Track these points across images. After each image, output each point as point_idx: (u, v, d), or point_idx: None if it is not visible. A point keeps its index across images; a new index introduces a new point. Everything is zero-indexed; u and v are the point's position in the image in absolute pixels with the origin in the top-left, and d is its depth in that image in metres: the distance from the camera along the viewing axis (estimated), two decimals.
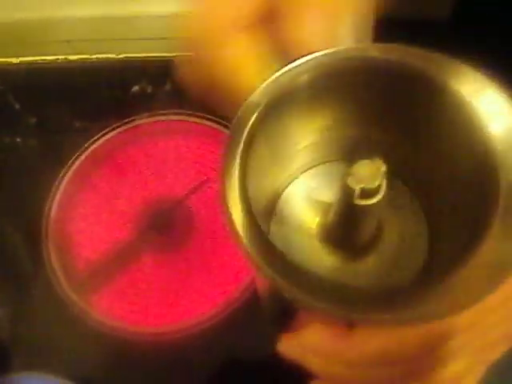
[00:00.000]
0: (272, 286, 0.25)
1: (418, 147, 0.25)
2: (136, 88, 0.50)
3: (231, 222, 0.22)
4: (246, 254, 0.22)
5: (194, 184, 0.43)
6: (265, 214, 0.28)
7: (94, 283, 0.40)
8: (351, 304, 0.21)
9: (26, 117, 0.51)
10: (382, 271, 0.27)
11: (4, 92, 0.51)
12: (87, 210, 0.43)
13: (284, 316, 0.30)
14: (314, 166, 0.29)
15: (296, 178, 0.29)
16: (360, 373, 0.26)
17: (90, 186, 0.44)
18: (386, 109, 0.24)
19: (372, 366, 0.26)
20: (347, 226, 0.25)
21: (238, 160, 0.24)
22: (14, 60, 0.51)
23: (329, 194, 0.27)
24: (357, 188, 0.21)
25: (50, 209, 0.41)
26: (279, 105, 0.24)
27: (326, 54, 0.23)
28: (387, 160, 0.21)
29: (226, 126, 0.43)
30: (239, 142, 0.24)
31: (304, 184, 0.28)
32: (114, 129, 0.45)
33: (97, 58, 0.50)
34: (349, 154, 0.24)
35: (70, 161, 0.43)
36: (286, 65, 0.23)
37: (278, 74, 0.24)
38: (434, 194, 0.26)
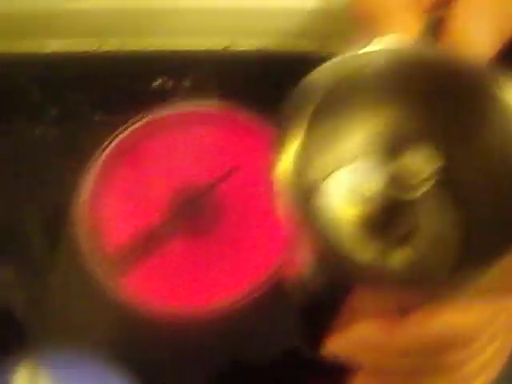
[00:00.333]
0: (325, 264, 0.25)
1: (463, 147, 0.26)
2: (158, 82, 0.51)
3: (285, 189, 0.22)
4: (305, 227, 0.22)
5: (221, 172, 0.44)
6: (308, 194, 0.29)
7: (123, 266, 0.41)
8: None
9: (46, 108, 0.51)
10: (417, 263, 0.27)
11: (25, 83, 0.52)
12: (116, 197, 0.44)
13: (325, 310, 0.30)
14: (362, 157, 0.29)
15: (342, 165, 0.29)
16: (410, 362, 0.27)
17: (118, 176, 0.44)
18: (436, 109, 0.25)
19: (423, 354, 0.26)
20: (387, 219, 0.26)
21: (297, 132, 0.25)
22: (37, 50, 0.51)
23: (371, 187, 0.28)
24: (405, 180, 0.22)
25: (79, 195, 0.42)
26: (347, 88, 0.25)
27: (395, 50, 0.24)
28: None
29: (251, 116, 0.44)
30: (301, 115, 0.25)
31: (348, 173, 0.29)
32: (139, 120, 0.45)
33: (119, 50, 0.51)
34: (397, 150, 0.24)
35: (98, 150, 0.44)
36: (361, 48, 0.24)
37: (349, 55, 0.24)
38: (473, 191, 0.27)
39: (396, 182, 0.22)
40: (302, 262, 0.30)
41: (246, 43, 0.47)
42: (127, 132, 0.45)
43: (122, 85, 0.51)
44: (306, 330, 0.38)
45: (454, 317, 0.24)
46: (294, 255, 0.34)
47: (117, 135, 0.45)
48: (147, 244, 0.42)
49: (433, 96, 0.25)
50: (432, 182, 0.22)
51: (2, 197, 0.47)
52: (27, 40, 0.50)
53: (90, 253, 0.41)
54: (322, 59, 0.24)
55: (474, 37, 0.25)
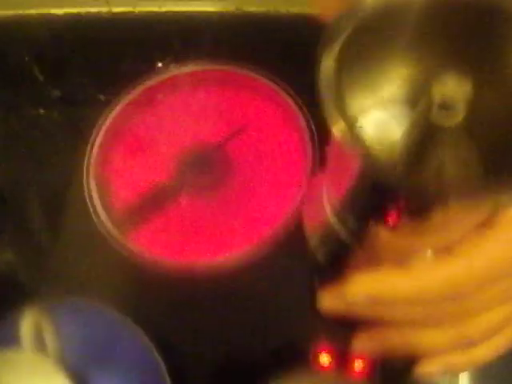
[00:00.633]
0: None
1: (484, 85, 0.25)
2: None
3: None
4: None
5: (230, 131, 0.44)
6: None
7: (133, 221, 0.41)
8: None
9: (49, 89, 0.50)
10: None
11: (29, 63, 0.51)
12: (126, 152, 0.44)
13: (339, 258, 0.31)
14: (391, 102, 0.28)
15: (372, 107, 0.28)
16: (421, 312, 0.26)
17: (129, 132, 0.45)
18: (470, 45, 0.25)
19: (437, 300, 0.26)
20: (419, 150, 0.26)
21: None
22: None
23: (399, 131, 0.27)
24: (438, 99, 0.22)
25: (91, 149, 0.42)
26: (383, 23, 0.24)
27: None
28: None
29: (259, 77, 0.45)
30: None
31: (377, 116, 0.28)
32: (151, 77, 0.46)
33: (129, 12, 0.51)
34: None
35: (110, 108, 0.44)
36: None
37: None
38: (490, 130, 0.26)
39: (430, 108, 0.22)
40: (319, 215, 0.31)
41: (256, 5, 0.47)
42: (137, 90, 0.45)
43: (126, 65, 0.50)
44: (317, 284, 0.38)
45: (496, 249, 0.24)
46: (312, 208, 0.34)
47: (127, 93, 0.45)
48: (156, 200, 0.42)
49: (467, 34, 0.25)
50: (464, 106, 0.22)
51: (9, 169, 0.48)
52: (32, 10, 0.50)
53: (99, 209, 0.41)
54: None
55: None
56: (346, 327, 0.30)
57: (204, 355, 0.38)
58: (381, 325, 0.28)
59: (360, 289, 0.27)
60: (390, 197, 0.25)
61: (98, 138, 0.42)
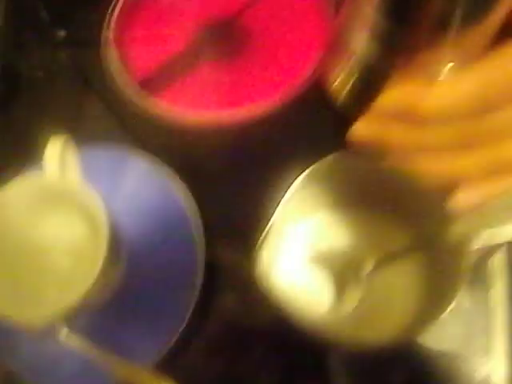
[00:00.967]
0: None
1: None
2: None
3: None
4: None
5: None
6: None
7: (154, 86, 0.42)
8: None
9: (55, 29, 0.48)
10: None
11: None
12: (146, 20, 0.44)
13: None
14: None
15: None
16: (452, 133, 0.26)
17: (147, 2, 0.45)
18: None
19: (468, 115, 0.25)
20: None
21: None
22: None
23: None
24: None
25: (110, 17, 0.43)
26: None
27: None
28: None
29: None
30: None
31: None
32: None
33: None
34: None
35: None
36: None
37: None
38: None
39: None
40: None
41: None
42: None
43: None
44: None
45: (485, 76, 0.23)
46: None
47: None
48: (175, 68, 0.43)
49: None
50: None
51: None
52: None
53: (122, 76, 0.42)
54: None
55: None
56: None
57: (227, 202, 0.38)
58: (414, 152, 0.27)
59: (391, 99, 0.27)
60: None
61: (118, 5, 0.43)
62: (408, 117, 0.27)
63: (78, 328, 0.33)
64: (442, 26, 0.27)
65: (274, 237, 0.29)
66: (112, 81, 0.41)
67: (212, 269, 0.35)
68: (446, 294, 0.25)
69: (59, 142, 0.32)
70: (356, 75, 0.33)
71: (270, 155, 0.39)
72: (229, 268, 0.36)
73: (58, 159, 0.32)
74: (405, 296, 0.32)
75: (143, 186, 0.37)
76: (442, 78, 0.29)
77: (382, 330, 0.30)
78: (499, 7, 0.23)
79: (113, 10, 0.43)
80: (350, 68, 0.33)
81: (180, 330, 0.33)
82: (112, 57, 0.42)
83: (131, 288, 0.34)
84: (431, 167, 0.27)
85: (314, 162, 0.32)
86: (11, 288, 0.31)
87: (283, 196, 0.30)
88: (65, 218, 0.33)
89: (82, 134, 0.38)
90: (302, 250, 0.34)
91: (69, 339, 0.32)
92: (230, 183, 0.39)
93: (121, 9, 0.43)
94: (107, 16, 0.42)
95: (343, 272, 0.33)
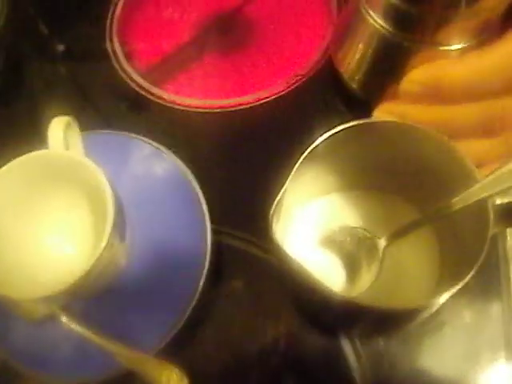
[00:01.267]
0: None
1: None
2: None
3: None
4: None
5: None
6: None
7: (159, 76, 0.41)
8: None
9: (54, 43, 0.49)
10: None
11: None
12: (150, 11, 0.45)
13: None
14: None
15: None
16: (477, 109, 0.27)
17: None
18: None
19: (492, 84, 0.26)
20: None
21: None
22: None
23: None
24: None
25: (114, 10, 0.43)
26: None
27: None
28: None
29: None
30: None
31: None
32: None
33: None
34: None
35: None
36: None
37: None
38: None
39: None
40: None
41: None
42: None
43: None
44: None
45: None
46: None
47: None
48: (183, 56, 0.43)
49: None
50: None
51: None
52: None
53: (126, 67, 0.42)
54: None
55: None
56: None
57: (233, 186, 0.38)
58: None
59: (416, 77, 0.27)
60: None
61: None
62: (436, 94, 0.27)
63: (81, 312, 0.31)
64: (453, 3, 0.27)
65: (283, 219, 0.28)
66: (116, 74, 0.41)
67: (219, 253, 0.34)
68: (467, 258, 0.24)
69: (63, 122, 0.32)
70: (372, 56, 0.33)
71: (275, 140, 0.39)
72: (236, 251, 0.35)
73: (62, 139, 0.31)
74: (423, 266, 0.31)
75: (148, 170, 0.36)
76: (455, 56, 0.28)
77: (404, 299, 0.29)
78: None
79: (117, 2, 0.43)
80: (365, 48, 0.33)
81: (186, 314, 0.32)
82: (116, 48, 0.42)
83: (136, 271, 0.33)
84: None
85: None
86: (10, 267, 0.30)
87: (289, 178, 0.30)
88: (67, 197, 0.33)
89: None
90: (311, 232, 0.33)
91: (70, 323, 0.31)
92: (236, 168, 0.39)
93: (124, 4, 0.43)
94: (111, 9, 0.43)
95: (355, 252, 0.32)
